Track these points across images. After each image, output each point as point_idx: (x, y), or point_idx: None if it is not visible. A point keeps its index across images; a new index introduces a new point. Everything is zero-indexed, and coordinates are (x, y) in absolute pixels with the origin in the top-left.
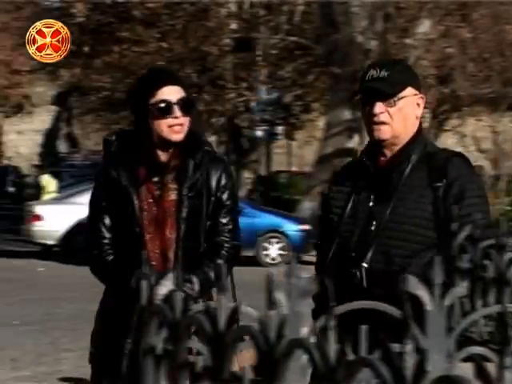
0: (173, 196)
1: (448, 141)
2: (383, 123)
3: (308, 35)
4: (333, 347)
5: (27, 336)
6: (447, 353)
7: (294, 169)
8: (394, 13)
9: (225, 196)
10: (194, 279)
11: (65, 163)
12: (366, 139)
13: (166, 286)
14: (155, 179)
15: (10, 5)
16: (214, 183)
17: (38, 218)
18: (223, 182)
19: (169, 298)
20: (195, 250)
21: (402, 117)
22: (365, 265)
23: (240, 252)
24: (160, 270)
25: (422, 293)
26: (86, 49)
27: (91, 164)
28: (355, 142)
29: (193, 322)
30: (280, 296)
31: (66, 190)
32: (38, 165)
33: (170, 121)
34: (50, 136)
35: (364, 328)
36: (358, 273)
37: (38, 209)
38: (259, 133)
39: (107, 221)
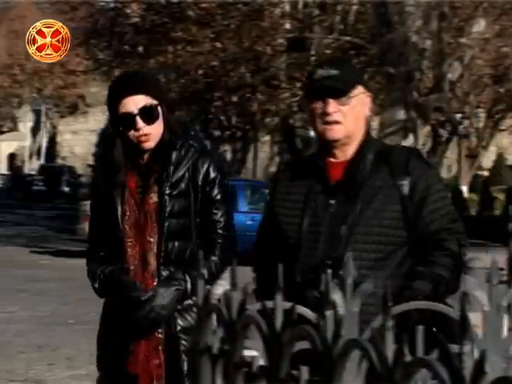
0: (155, 198)
1: (503, 140)
2: (336, 122)
3: (362, 35)
4: (390, 347)
5: (82, 335)
6: (505, 354)
7: None
8: (449, 12)
9: (214, 191)
10: (186, 277)
11: None
12: (422, 139)
13: (222, 286)
14: (139, 182)
15: (66, 5)
16: (201, 178)
17: None
18: (211, 175)
19: (225, 297)
20: (185, 249)
21: (354, 115)
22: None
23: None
24: (138, 275)
25: (479, 293)
26: (141, 49)
27: None
28: (410, 142)
29: (249, 321)
30: (336, 296)
31: None
32: (93, 165)
33: (134, 133)
34: (104, 136)
35: (420, 328)
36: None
37: None
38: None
39: (100, 227)
